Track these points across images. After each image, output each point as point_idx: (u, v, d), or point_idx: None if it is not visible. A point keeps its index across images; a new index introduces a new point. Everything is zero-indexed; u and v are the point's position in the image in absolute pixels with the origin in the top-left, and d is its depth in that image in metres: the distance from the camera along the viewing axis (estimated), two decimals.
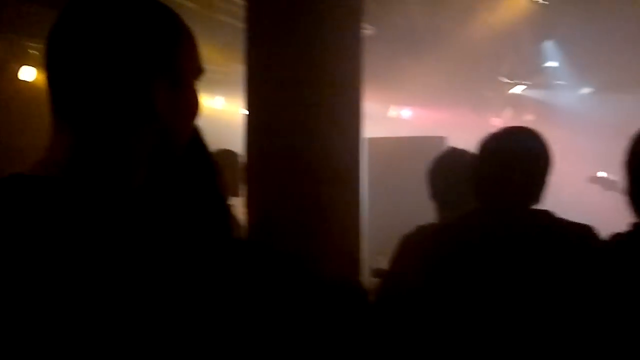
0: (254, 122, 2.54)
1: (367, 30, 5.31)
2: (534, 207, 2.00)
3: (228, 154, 3.51)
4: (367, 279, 2.95)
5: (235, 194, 3.31)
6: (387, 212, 4.53)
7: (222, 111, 7.47)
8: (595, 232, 1.91)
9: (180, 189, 0.96)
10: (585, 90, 7.95)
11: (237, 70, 6.72)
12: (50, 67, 0.87)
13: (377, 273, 3.05)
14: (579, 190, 7.07)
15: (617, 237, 1.70)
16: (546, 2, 5.40)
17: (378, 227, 4.30)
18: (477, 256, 1.95)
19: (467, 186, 2.29)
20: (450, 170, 2.50)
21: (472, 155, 2.47)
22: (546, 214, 1.99)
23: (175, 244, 0.81)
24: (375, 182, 5.83)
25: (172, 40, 0.90)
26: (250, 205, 2.58)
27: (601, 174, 5.61)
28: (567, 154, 8.19)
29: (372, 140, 6.10)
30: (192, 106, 0.95)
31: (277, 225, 2.50)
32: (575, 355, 1.75)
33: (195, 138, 1.02)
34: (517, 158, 1.98)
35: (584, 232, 1.92)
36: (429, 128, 7.45)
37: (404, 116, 8.96)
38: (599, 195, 5.73)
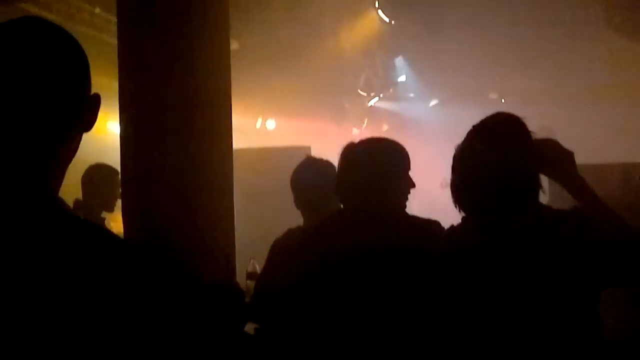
0: (128, 138, 2.62)
1: (232, 45, 5.47)
2: (392, 207, 2.23)
3: (103, 168, 3.47)
4: (243, 282, 3.10)
5: (110, 209, 3.35)
6: (257, 218, 4.70)
7: None
8: (441, 226, 2.19)
9: None
10: (433, 101, 8.61)
11: (100, 83, 6.57)
12: None
13: (251, 275, 3.22)
14: (429, 194, 7.63)
15: (451, 231, 1.96)
16: (393, 22, 5.83)
17: (249, 233, 4.44)
18: (341, 254, 2.13)
19: (326, 191, 2.53)
20: (310, 178, 2.72)
21: (329, 163, 2.72)
22: (399, 213, 2.24)
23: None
24: (244, 191, 5.99)
25: (84, 78, 1.03)
26: (128, 217, 2.66)
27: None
28: (417, 161, 8.79)
29: (239, 152, 6.27)
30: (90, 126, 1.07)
31: (155, 236, 2.60)
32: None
33: None
34: (376, 164, 2.19)
35: (432, 227, 2.20)
36: (294, 138, 7.72)
37: (269, 127, 9.16)
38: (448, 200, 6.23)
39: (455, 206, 1.89)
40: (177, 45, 2.60)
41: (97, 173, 3.41)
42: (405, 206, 2.27)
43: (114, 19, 5.55)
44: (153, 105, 2.56)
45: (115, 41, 5.29)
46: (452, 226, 1.97)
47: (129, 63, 2.62)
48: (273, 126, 9.17)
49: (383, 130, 8.88)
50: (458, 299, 1.83)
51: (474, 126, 1.87)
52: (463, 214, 1.88)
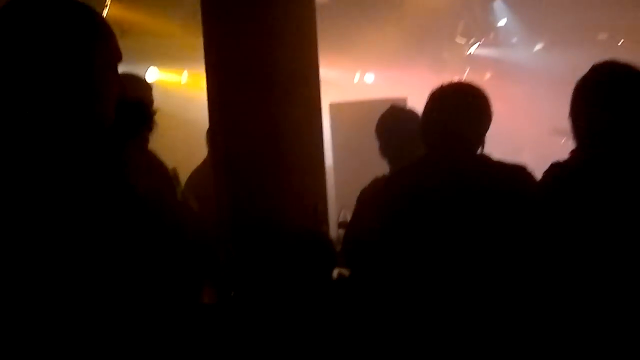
0: (215, 94, 2.70)
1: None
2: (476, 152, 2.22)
3: (134, 80, 3.03)
4: (336, 232, 3.22)
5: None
6: (355, 171, 4.75)
7: (187, 85, 7.54)
8: (529, 170, 2.15)
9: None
10: (538, 46, 8.18)
11: (200, 44, 6.74)
12: None
13: (342, 225, 3.30)
14: (537, 142, 7.35)
15: (556, 168, 1.97)
16: None
17: (346, 185, 4.52)
18: (426, 199, 2.15)
19: (411, 139, 2.52)
20: (394, 126, 2.76)
21: (413, 112, 2.73)
22: (485, 157, 2.22)
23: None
24: (340, 144, 6.05)
25: (88, 38, 1.17)
26: (217, 171, 2.77)
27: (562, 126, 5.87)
28: (525, 109, 8.48)
29: (334, 105, 6.32)
30: (107, 86, 1.21)
31: (244, 189, 2.69)
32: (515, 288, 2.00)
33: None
34: (461, 108, 2.21)
35: (519, 171, 2.16)
36: (392, 91, 7.64)
37: (367, 81, 9.13)
38: (557, 147, 5.97)
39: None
40: (259, 5, 2.63)
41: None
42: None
43: None
44: (237, 61, 2.62)
45: None
46: (556, 163, 1.98)
47: (212, 20, 2.68)
48: (372, 79, 9.12)
49: (486, 79, 8.59)
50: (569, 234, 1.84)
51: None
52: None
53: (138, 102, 1.31)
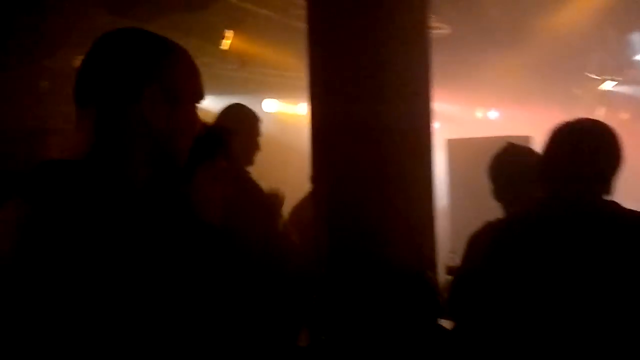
0: (319, 129, 2.60)
1: (445, 30, 5.28)
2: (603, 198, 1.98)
3: (242, 111, 3.10)
4: (442, 277, 2.99)
5: (249, 162, 3.01)
6: (470, 212, 4.50)
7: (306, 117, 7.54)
8: None
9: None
10: None
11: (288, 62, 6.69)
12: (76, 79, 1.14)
13: (450, 270, 3.06)
14: None
15: None
16: None
17: (462, 227, 4.27)
18: (543, 249, 1.95)
19: (529, 182, 2.29)
20: (511, 167, 2.53)
21: (531, 151, 2.49)
22: (613, 205, 1.96)
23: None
24: (457, 182, 5.82)
25: (160, 61, 1.13)
26: (318, 206, 2.66)
27: None
28: None
29: (452, 142, 6.09)
30: (187, 123, 1.13)
31: (347, 225, 2.55)
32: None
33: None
34: (586, 148, 1.98)
35: None
36: (517, 128, 7.29)
37: (491, 117, 8.83)
38: None
39: None
40: (368, 28, 2.51)
41: (233, 118, 2.98)
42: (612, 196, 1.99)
43: (299, 1, 5.67)
44: (343, 93, 2.51)
45: (300, 24, 5.40)
46: None
47: (318, 50, 2.60)
48: (495, 116, 8.82)
49: (622, 119, 8.01)
50: None
51: None
52: None
53: (213, 129, 1.24)
